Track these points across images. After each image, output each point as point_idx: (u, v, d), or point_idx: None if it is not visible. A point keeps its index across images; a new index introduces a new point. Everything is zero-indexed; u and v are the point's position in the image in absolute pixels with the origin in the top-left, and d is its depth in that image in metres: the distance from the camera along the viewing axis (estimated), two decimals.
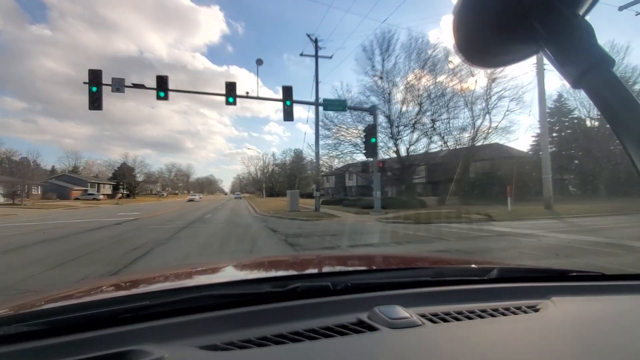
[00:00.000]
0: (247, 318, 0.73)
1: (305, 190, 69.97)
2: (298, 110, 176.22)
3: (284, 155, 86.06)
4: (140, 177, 76.99)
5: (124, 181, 68.93)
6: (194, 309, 0.73)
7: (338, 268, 1.31)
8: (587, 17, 0.38)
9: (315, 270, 1.32)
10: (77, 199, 50.23)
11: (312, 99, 17.56)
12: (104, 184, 66.94)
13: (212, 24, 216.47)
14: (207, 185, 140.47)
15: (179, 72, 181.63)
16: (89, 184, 59.83)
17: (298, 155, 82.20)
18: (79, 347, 0.60)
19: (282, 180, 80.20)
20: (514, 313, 0.80)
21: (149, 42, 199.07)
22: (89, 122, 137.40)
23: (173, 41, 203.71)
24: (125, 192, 69.47)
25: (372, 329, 0.69)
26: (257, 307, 0.77)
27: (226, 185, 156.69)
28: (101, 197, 51.41)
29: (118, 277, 2.05)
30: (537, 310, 0.81)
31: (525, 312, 0.80)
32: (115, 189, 69.77)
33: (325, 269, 1.28)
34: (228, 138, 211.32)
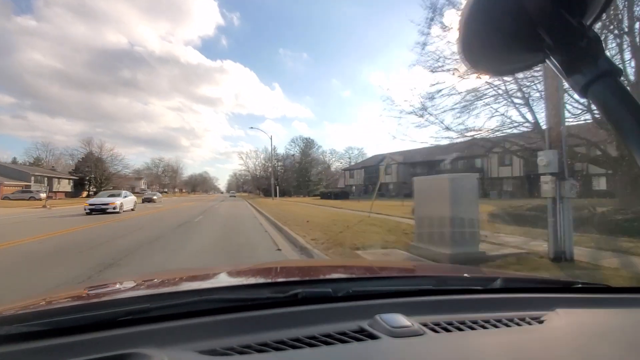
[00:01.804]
0: (247, 323, 0.73)
1: (316, 190, 56.76)
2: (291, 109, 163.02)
3: (293, 144, 71.46)
4: (124, 172, 62.43)
5: (90, 176, 54.11)
6: (195, 313, 0.73)
7: (340, 275, 1.31)
8: (595, 28, 0.37)
9: (316, 277, 1.25)
10: (6, 197, 35.88)
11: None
12: (59, 178, 51.34)
13: (206, 15, 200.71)
14: (201, 183, 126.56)
15: (172, 67, 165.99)
16: (33, 178, 44.63)
17: (308, 145, 68.38)
18: (79, 348, 0.60)
19: (289, 177, 66.43)
20: (518, 324, 0.78)
21: (139, 34, 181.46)
22: (80, 119, 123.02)
23: (165, 33, 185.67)
24: (93, 189, 54.86)
25: (373, 337, 0.68)
26: (258, 313, 0.76)
27: (222, 184, 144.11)
28: (42, 195, 36.71)
29: (119, 279, 1.83)
30: (541, 322, 0.80)
31: (529, 323, 0.79)
32: (80, 184, 55.01)
33: (327, 276, 1.27)
34: (224, 136, 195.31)
